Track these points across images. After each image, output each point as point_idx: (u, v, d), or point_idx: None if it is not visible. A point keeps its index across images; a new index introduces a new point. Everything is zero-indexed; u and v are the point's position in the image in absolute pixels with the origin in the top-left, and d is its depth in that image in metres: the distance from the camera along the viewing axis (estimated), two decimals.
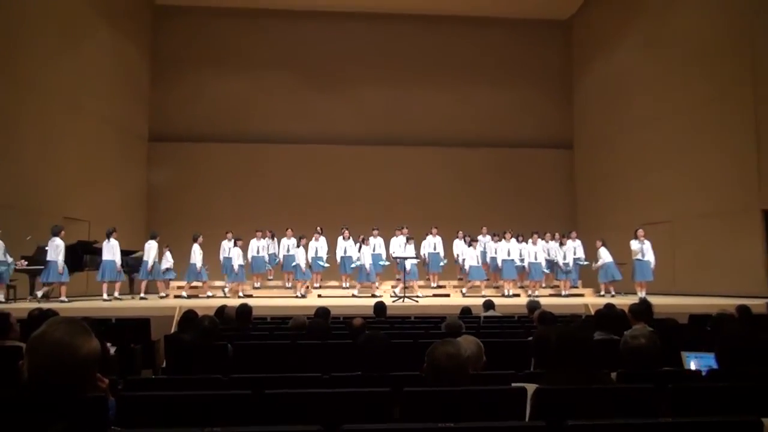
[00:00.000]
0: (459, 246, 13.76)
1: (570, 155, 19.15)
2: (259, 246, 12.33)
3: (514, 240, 13.33)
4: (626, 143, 16.59)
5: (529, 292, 13.12)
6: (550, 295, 13.47)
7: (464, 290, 13.31)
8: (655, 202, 15.50)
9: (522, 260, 12.96)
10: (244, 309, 5.81)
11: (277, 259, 12.38)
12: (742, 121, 12.63)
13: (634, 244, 12.15)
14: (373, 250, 12.65)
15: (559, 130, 18.98)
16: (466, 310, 7.95)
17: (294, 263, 12.03)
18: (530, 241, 13.33)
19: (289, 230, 12.60)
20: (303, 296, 11.74)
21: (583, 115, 18.75)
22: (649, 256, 12.11)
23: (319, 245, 12.89)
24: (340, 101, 17.31)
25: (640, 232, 12.23)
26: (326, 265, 12.51)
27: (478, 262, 12.96)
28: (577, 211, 18.84)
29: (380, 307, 7.18)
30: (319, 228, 13.45)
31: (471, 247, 12.94)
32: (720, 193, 13.43)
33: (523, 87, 18.69)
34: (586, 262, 13.36)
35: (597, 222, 17.53)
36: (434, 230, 13.71)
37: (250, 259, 12.03)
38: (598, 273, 12.65)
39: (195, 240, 11.44)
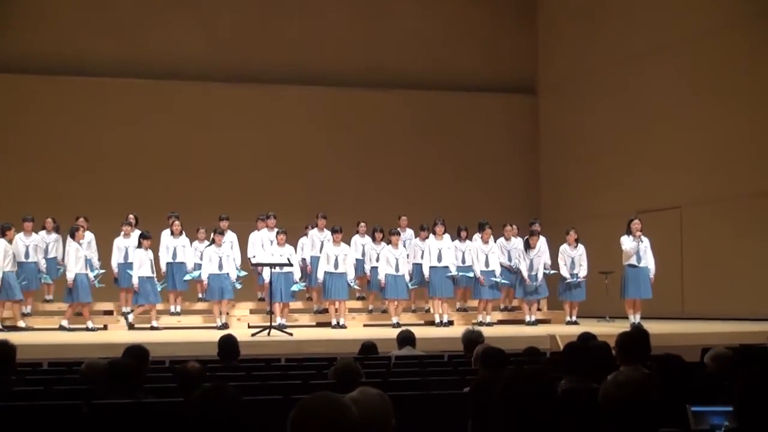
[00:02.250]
0: (358, 245, 14.04)
1: (532, 105, 19.66)
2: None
3: (448, 237, 13.61)
4: (615, 89, 17.26)
5: (479, 319, 13.45)
6: (504, 323, 13.89)
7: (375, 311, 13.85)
8: (659, 178, 16.20)
9: (464, 268, 13.43)
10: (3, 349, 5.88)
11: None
12: None
13: (627, 243, 12.57)
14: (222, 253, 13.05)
15: (516, 65, 19.39)
16: (368, 348, 8.10)
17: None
18: (477, 237, 13.84)
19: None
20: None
21: (551, 44, 19.21)
22: (648, 262, 12.61)
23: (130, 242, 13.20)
24: (180, 18, 17.97)
25: (636, 224, 12.62)
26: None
27: (396, 271, 13.23)
28: (540, 191, 19.48)
29: (228, 343, 7.15)
30: (131, 217, 13.62)
31: (387, 248, 13.33)
32: (754, 168, 14.34)
33: (462, 1, 19.10)
34: (552, 271, 13.90)
35: (570, 208, 18.16)
36: (362, 226, 14.10)
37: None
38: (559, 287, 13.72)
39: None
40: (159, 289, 13.00)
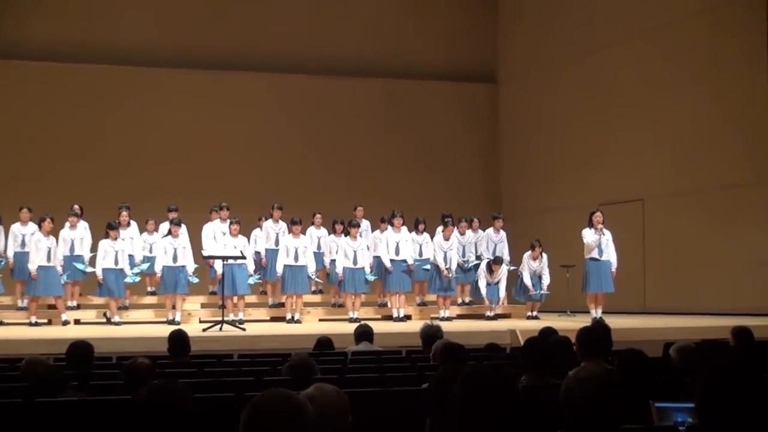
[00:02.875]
0: (314, 237, 14.05)
1: (492, 94, 19.78)
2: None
3: (406, 230, 13.72)
4: (578, 78, 17.42)
5: (441, 314, 13.45)
6: (463, 317, 13.99)
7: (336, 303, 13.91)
8: (621, 171, 16.39)
9: (421, 261, 13.70)
10: None
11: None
12: (753, 52, 13.75)
13: (589, 236, 12.71)
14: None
15: (476, 54, 19.51)
16: (323, 343, 8.08)
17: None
18: (439, 231, 13.83)
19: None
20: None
21: (512, 33, 19.31)
22: (610, 255, 12.74)
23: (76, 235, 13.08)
24: (130, 2, 17.93)
25: (598, 217, 12.76)
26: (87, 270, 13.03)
27: (354, 264, 13.33)
28: (500, 182, 19.66)
29: (178, 338, 7.15)
30: (76, 208, 13.44)
31: (345, 240, 13.44)
32: (718, 161, 14.52)
33: None
34: (513, 267, 14.16)
35: (531, 199, 18.39)
36: (317, 218, 14.13)
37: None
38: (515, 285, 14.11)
39: None
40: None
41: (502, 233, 14.37)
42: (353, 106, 18.82)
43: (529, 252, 13.85)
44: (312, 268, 13.23)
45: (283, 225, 13.62)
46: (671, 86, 15.34)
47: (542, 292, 13.74)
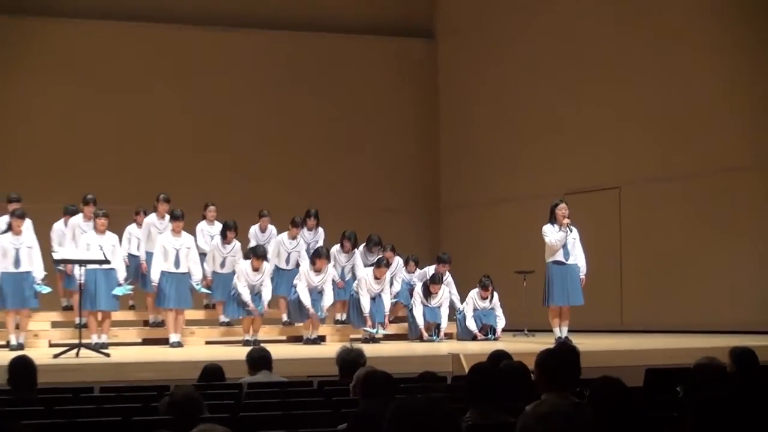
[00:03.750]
0: (205, 235, 14.22)
1: (428, 52, 20.15)
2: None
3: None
4: (536, 34, 17.75)
5: (371, 330, 13.87)
6: (393, 338, 14.33)
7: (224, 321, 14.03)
8: (592, 151, 16.76)
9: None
10: None
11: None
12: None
13: (551, 234, 12.77)
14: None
15: (410, 3, 19.80)
16: (211, 372, 8.09)
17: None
18: (370, 272, 14.15)
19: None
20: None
21: None
22: (578, 258, 12.89)
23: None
24: None
25: (562, 210, 12.79)
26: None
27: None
28: (440, 166, 19.99)
29: (21, 367, 7.12)
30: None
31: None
32: (711, 140, 14.87)
33: None
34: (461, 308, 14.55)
35: (477, 187, 18.65)
36: (211, 211, 14.39)
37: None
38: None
39: None
40: None
41: (448, 276, 14.67)
42: (264, 67, 18.91)
43: (477, 290, 14.19)
44: (197, 275, 13.24)
45: (168, 221, 13.58)
46: (657, 44, 15.57)
47: (495, 337, 14.08)
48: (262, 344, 9.97)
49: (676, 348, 11.77)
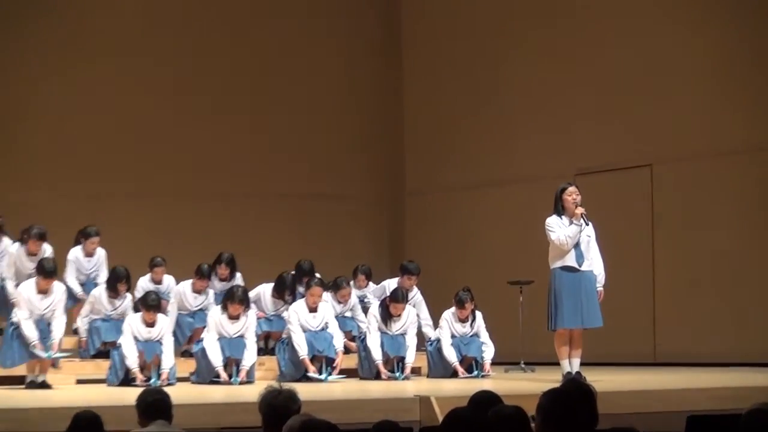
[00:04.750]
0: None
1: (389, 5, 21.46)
2: None
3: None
4: None
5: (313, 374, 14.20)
6: (343, 373, 14.52)
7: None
8: (610, 118, 17.31)
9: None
10: None
11: None
12: None
13: (559, 228, 12.74)
14: None
15: None
16: (85, 423, 7.74)
17: None
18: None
19: None
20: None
21: None
22: (594, 263, 12.96)
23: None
24: None
25: (573, 194, 12.84)
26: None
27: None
28: (404, 140, 20.89)
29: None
30: None
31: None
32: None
33: None
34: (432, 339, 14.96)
35: (453, 168, 19.61)
36: (221, 269, 15.48)
37: None
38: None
39: None
40: None
41: (416, 293, 15.20)
42: (144, 21, 20.13)
43: (453, 310, 14.42)
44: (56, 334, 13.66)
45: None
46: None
47: (483, 373, 14.26)
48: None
49: (726, 387, 11.86)
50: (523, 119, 18.69)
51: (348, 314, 15.40)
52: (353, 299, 15.47)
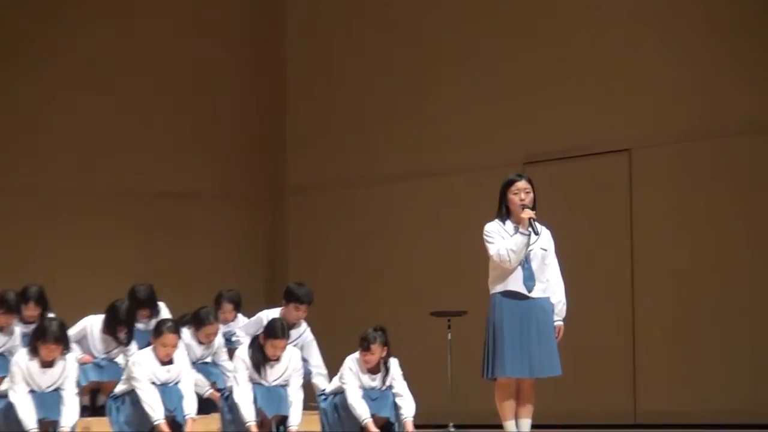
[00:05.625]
0: None
1: None
2: None
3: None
4: None
5: None
6: None
7: None
8: (573, 87, 18.43)
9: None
10: None
11: None
12: None
13: (501, 239, 12.40)
14: None
15: None
16: None
17: None
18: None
19: None
20: None
21: None
22: (550, 286, 12.63)
23: None
24: None
25: (522, 190, 12.46)
26: None
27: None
28: (286, 126, 22.66)
29: None
30: None
31: None
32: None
33: None
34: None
35: (351, 159, 21.05)
36: (28, 308, 15.44)
37: None
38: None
39: None
40: None
41: (305, 330, 15.23)
42: None
43: (357, 355, 14.18)
44: None
45: None
46: None
47: None
48: None
49: None
50: (450, 96, 19.49)
51: (211, 359, 15.30)
52: (219, 339, 15.24)
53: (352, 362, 14.16)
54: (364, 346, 14.01)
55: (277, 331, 13.81)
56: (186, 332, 14.86)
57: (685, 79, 17.87)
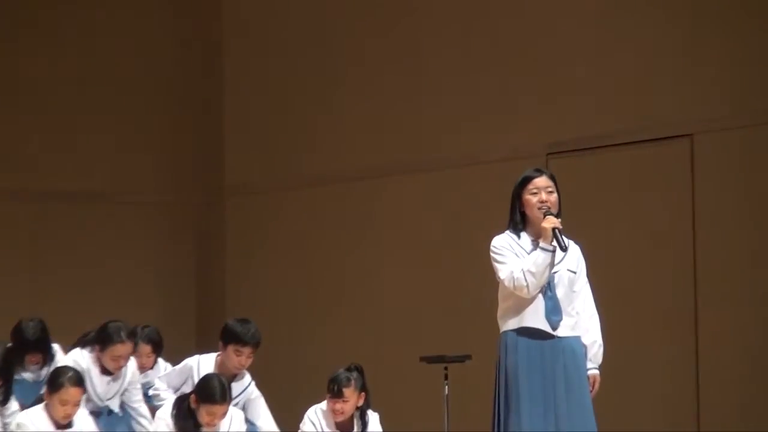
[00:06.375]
0: None
1: None
2: None
3: None
4: None
5: None
6: None
7: None
8: (609, 55, 19.11)
9: None
10: None
11: None
12: None
13: (514, 258, 11.86)
14: None
15: None
16: None
17: None
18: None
19: None
20: None
21: None
22: (581, 323, 12.13)
23: None
24: None
25: (540, 188, 11.94)
26: None
27: None
28: (224, 120, 23.98)
29: None
30: None
31: None
32: None
33: None
34: None
35: (306, 153, 22.26)
36: None
37: None
38: None
39: None
40: None
41: (249, 384, 14.79)
42: None
43: (324, 405, 14.10)
44: None
45: None
46: None
47: None
48: None
49: None
50: (438, 80, 20.22)
51: (118, 403, 14.77)
52: (132, 370, 14.68)
53: (316, 415, 13.92)
54: (334, 391, 13.66)
55: (214, 394, 13.45)
56: (86, 356, 14.35)
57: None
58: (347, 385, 13.69)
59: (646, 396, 16.96)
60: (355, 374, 13.83)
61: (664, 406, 17.23)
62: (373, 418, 14.12)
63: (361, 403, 13.81)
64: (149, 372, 15.12)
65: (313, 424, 13.91)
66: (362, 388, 13.86)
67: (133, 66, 23.77)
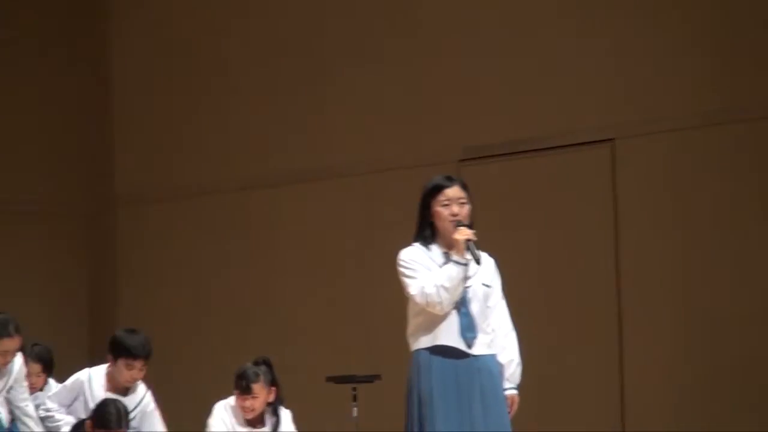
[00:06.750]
0: None
1: None
2: None
3: None
4: None
5: None
6: None
7: None
8: (529, 54, 19.61)
9: None
10: None
11: None
12: None
13: (426, 273, 11.88)
14: None
15: None
16: None
17: None
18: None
19: None
20: None
21: None
22: (497, 340, 12.25)
23: None
24: None
25: (453, 198, 11.97)
26: None
27: None
28: (114, 125, 24.41)
29: None
30: None
31: None
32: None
33: None
34: None
35: (201, 161, 22.82)
36: None
37: None
38: None
39: None
40: None
41: (144, 395, 14.80)
42: None
43: (233, 401, 14.29)
44: None
45: None
46: None
47: None
48: None
49: None
50: (344, 82, 20.94)
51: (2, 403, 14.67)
52: (18, 366, 14.56)
53: (223, 411, 14.16)
54: (242, 387, 13.94)
55: (110, 421, 13.58)
56: None
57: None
58: (255, 381, 13.99)
59: (570, 402, 17.47)
60: (263, 368, 14.10)
61: (588, 412, 17.81)
62: (286, 415, 14.37)
63: (272, 398, 14.12)
64: (39, 393, 15.22)
65: (224, 422, 14.24)
66: (272, 382, 14.12)
67: (16, 66, 23.94)
